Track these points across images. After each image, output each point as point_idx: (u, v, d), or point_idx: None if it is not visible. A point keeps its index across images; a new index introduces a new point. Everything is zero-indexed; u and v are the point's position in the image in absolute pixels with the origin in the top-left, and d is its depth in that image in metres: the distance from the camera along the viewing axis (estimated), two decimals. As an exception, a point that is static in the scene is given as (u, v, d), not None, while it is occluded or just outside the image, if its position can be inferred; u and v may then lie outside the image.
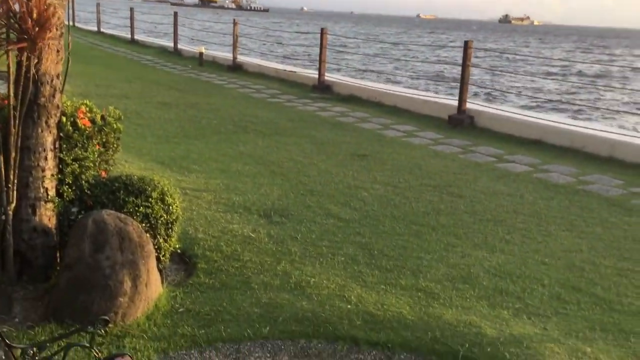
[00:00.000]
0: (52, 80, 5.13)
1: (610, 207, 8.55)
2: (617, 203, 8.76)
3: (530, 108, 24.06)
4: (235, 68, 23.97)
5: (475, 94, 25.87)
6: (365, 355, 4.81)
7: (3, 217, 4.99)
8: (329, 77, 19.70)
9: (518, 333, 5.07)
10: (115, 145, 6.04)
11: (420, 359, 4.79)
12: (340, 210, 8.01)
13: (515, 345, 4.87)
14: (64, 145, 5.40)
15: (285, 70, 22.00)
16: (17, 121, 4.89)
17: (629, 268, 6.54)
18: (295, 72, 21.44)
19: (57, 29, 4.82)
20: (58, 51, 5.09)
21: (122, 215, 5.10)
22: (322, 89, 18.99)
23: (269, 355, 4.73)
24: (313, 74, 20.26)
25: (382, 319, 5.24)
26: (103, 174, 5.88)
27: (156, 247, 5.48)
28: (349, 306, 5.40)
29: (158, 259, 5.54)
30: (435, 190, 9.21)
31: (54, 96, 5.18)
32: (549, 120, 13.79)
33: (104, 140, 5.81)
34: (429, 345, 4.90)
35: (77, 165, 5.47)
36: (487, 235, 7.44)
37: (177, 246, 6.04)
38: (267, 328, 5.00)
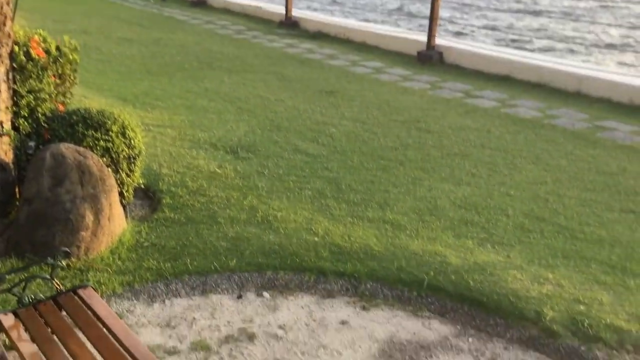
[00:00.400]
0: (1, 7, 4.85)
1: (575, 140, 8.63)
2: (582, 136, 8.84)
3: (500, 44, 23.92)
4: (200, 3, 23.18)
5: (446, 31, 25.59)
6: (332, 285, 4.84)
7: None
8: (297, 12, 19.22)
9: (482, 261, 5.15)
10: (72, 78, 5.80)
11: (386, 287, 4.84)
12: (308, 146, 7.93)
13: (479, 272, 4.95)
14: (18, 77, 5.16)
15: (251, 5, 21.37)
16: (-36, 50, 4.63)
17: (592, 198, 6.65)
18: (260, 7, 20.84)
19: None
20: (6, -25, 4.79)
21: (82, 149, 4.94)
22: (290, 25, 18.54)
23: (236, 287, 4.73)
24: (280, 9, 19.74)
25: (349, 250, 5.26)
26: (61, 107, 5.66)
27: (119, 182, 5.36)
28: (316, 239, 5.40)
29: (121, 194, 5.43)
30: (403, 125, 9.16)
31: (4, 24, 4.91)
32: (518, 56, 13.72)
33: (59, 71, 5.57)
34: (395, 274, 4.95)
35: (32, 97, 5.24)
36: (454, 169, 7.47)
37: (141, 182, 5.92)
38: (234, 261, 4.98)
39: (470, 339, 4.31)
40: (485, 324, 4.47)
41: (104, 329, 3.19)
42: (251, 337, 4.16)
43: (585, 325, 4.34)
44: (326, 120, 9.19)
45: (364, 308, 4.61)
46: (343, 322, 4.42)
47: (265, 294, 4.69)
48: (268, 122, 8.88)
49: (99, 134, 5.24)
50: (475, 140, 8.62)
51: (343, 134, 8.53)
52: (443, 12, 21.26)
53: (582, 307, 4.54)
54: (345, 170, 7.15)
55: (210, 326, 4.25)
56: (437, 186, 6.88)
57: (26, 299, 3.41)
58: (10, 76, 5.06)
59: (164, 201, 5.89)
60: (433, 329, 4.40)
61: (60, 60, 5.53)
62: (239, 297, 4.62)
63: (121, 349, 3.02)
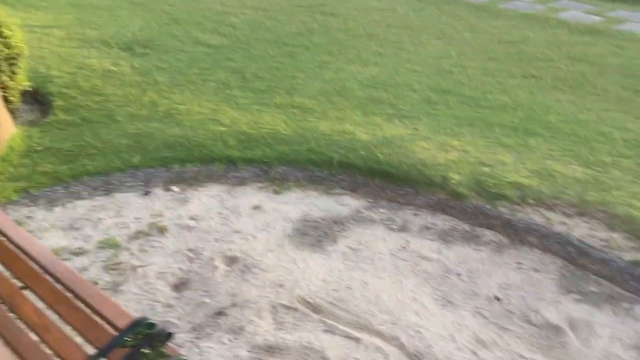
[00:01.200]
0: None
1: (478, 13, 8.65)
2: (484, 9, 8.87)
3: None
4: None
5: None
6: (243, 173, 4.75)
7: None
8: None
9: (390, 135, 5.17)
10: None
11: (297, 170, 4.80)
12: (208, 38, 7.55)
13: (388, 146, 4.97)
14: None
15: None
16: None
17: (495, 67, 6.75)
18: None
19: None
20: None
21: (-51, 51, 4.46)
22: None
23: (142, 183, 4.55)
24: None
25: (257, 137, 5.14)
26: None
27: (1, 85, 4.92)
28: (222, 128, 5.22)
29: (5, 98, 5.00)
30: (307, 10, 8.86)
31: None
32: None
33: None
34: (305, 156, 4.90)
35: None
36: (361, 51, 7.35)
37: (28, 84, 5.47)
38: (138, 157, 4.76)
39: (381, 210, 4.37)
40: (396, 194, 4.54)
41: (4, 238, 2.97)
42: (162, 231, 4.05)
43: (490, 185, 4.49)
44: (227, 10, 8.75)
45: (276, 192, 4.56)
46: (256, 207, 4.36)
47: (174, 187, 4.54)
48: (165, 15, 8.35)
49: (-31, 34, 4.72)
50: (381, 20, 8.47)
51: (245, 23, 8.16)
52: None
53: (486, 169, 4.67)
54: (249, 60, 6.89)
55: (117, 224, 4.10)
56: (344, 68, 6.76)
57: None
58: None
59: (56, 104, 5.49)
60: (345, 204, 4.43)
61: None
62: (146, 193, 4.46)
63: (24, 256, 2.84)
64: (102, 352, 1.42)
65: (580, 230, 4.06)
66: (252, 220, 4.22)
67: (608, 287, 3.69)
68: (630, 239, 3.96)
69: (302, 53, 7.22)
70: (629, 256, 3.81)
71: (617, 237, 3.97)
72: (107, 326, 2.31)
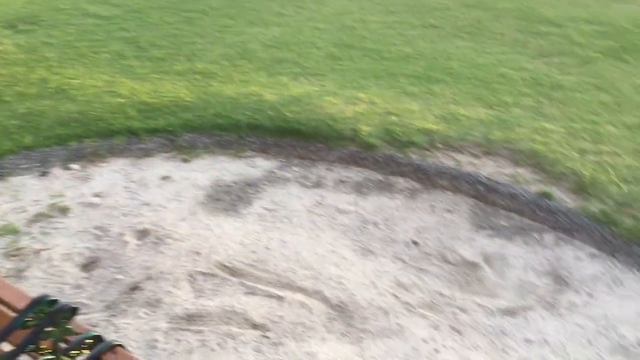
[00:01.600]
0: None
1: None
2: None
3: None
4: None
5: None
6: (147, 144, 4.53)
7: None
8: None
9: (297, 94, 5.08)
10: None
11: (205, 136, 4.64)
12: (98, 9, 7.14)
13: (296, 104, 4.89)
14: None
15: None
16: None
17: (395, 20, 6.78)
18: None
19: None
20: None
21: None
22: None
23: (38, 163, 4.26)
24: None
25: (159, 106, 4.91)
26: None
27: None
28: (121, 100, 4.96)
29: None
30: (202, -25, 8.54)
31: None
32: None
33: None
34: (212, 121, 4.74)
35: None
36: (262, 12, 7.18)
37: None
38: (30, 138, 4.44)
39: (294, 168, 4.31)
40: (307, 151, 4.48)
41: None
42: (64, 211, 3.81)
43: (399, 133, 4.51)
44: (116, -21, 8.29)
45: (184, 160, 4.40)
46: (164, 178, 4.19)
47: (74, 165, 4.28)
48: (48, -12, 7.81)
49: None
50: (279, -20, 8.29)
51: (137, -9, 7.77)
52: None
53: (394, 118, 4.69)
54: (144, 28, 6.57)
55: (15, 209, 3.82)
56: (246, 31, 6.59)
57: None
58: None
59: None
60: (257, 166, 4.34)
61: None
62: (43, 174, 4.18)
63: None
64: (0, 335, 1.28)
65: (487, 168, 4.16)
66: (162, 191, 4.05)
67: (518, 220, 3.81)
68: (535, 172, 4.10)
69: (201, 18, 6.97)
70: (535, 188, 3.95)
71: (523, 172, 4.10)
72: (7, 310, 2.13)
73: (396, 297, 3.19)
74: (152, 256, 3.40)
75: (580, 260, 3.48)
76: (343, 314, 3.05)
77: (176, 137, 4.61)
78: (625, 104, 4.85)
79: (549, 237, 3.65)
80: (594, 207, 3.73)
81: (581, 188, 3.88)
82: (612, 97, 4.96)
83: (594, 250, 3.53)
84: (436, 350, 2.85)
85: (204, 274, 3.29)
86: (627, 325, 3.03)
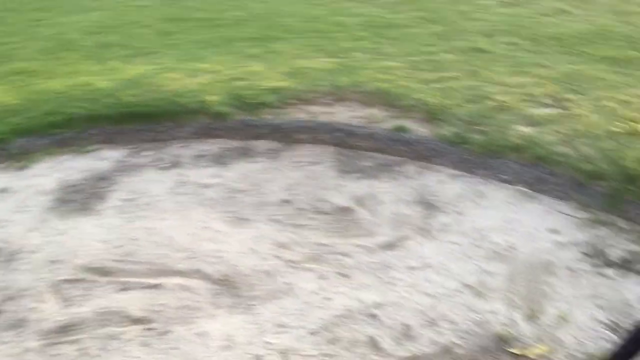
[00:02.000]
0: None
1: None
2: None
3: None
4: None
5: None
6: (-26, 159, 4.05)
7: None
8: None
9: (133, 76, 4.78)
10: None
11: (39, 138, 4.23)
12: None
13: (133, 87, 4.59)
14: None
15: None
16: None
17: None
18: None
19: None
20: None
21: None
22: None
23: None
24: None
25: (-20, 115, 4.40)
26: None
27: None
28: None
29: None
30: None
31: None
32: None
33: None
34: (44, 120, 4.33)
35: None
36: (77, -1, 6.67)
37: None
38: None
39: (146, 153, 4.07)
40: (156, 132, 4.25)
41: None
42: None
43: (248, 97, 4.39)
44: None
45: (22, 168, 3.99)
46: (2, 190, 3.77)
47: None
48: None
49: None
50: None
51: None
52: None
53: (241, 83, 4.56)
54: (-56, 35, 5.85)
55: None
56: (63, 21, 6.09)
57: None
58: None
59: None
60: (105, 158, 4.04)
61: None
62: None
63: None
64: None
65: (342, 114, 4.17)
66: (3, 205, 3.63)
67: (380, 158, 3.87)
68: (386, 109, 4.17)
69: (11, 16, 6.34)
70: (389, 125, 4.02)
71: (375, 112, 4.16)
72: None
73: (278, 257, 3.11)
74: (5, 275, 3.04)
75: (444, 183, 3.60)
76: (228, 287, 2.93)
77: (7, 144, 4.16)
78: (455, 31, 5.08)
79: (411, 168, 3.74)
80: (446, 131, 3.87)
81: (431, 116, 4.01)
82: (442, 26, 5.17)
83: (454, 171, 3.67)
84: (327, 299, 2.82)
85: (68, 281, 2.99)
86: (496, 232, 3.18)
